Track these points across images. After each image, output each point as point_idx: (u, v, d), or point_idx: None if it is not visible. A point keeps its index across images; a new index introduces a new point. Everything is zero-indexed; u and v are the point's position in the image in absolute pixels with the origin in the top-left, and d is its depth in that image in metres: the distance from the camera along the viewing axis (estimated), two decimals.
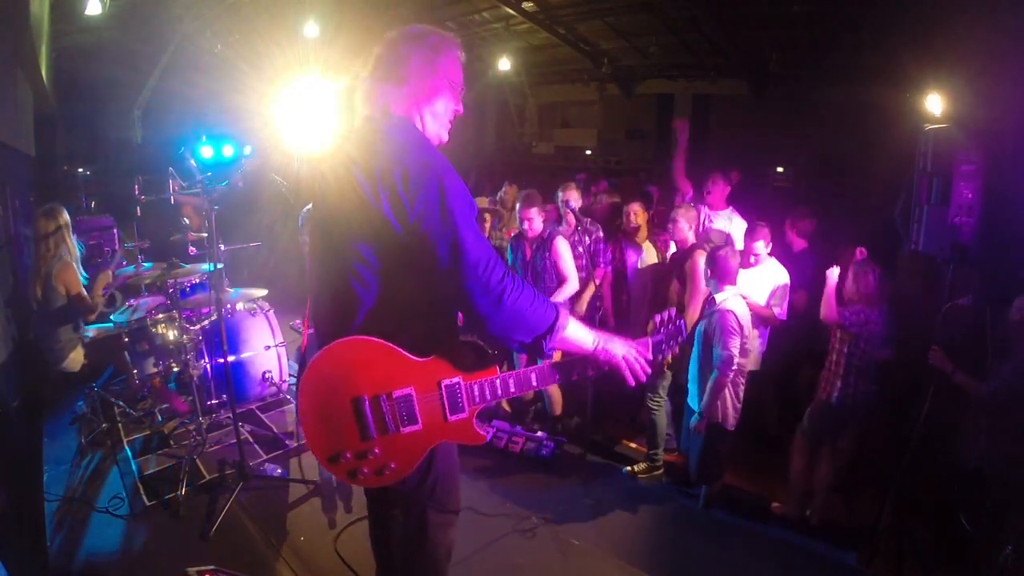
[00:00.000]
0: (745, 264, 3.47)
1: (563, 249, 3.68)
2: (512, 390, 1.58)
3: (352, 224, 1.44)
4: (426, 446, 1.53)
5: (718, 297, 3.03)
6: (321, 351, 1.46)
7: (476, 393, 1.53)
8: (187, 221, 5.48)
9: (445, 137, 1.64)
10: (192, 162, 3.57)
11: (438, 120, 1.60)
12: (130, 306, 3.86)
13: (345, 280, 1.48)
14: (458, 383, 1.51)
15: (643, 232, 4.08)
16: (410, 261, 1.41)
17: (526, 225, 3.71)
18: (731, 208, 4.16)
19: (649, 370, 1.58)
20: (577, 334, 1.52)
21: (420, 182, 1.37)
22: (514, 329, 1.44)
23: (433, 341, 1.53)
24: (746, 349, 3.04)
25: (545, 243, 3.70)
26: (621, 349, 1.56)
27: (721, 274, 3.03)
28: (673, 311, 1.66)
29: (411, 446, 1.50)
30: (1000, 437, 2.75)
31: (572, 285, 3.71)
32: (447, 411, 1.51)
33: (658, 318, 1.65)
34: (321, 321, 1.67)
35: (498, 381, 1.54)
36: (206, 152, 4.82)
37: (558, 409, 4.01)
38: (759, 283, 3.59)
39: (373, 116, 1.54)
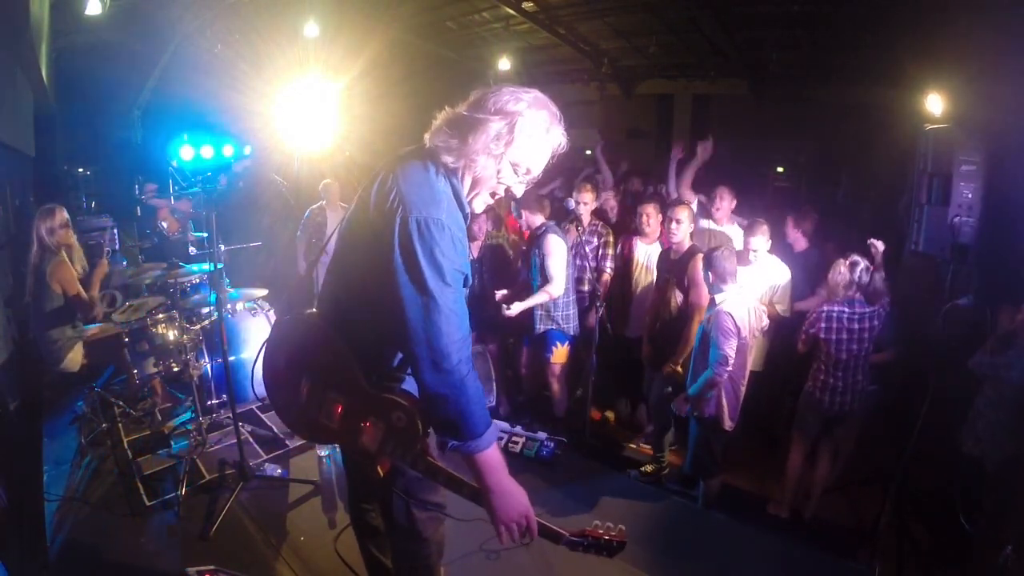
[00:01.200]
0: (744, 261, 3.47)
1: (555, 247, 3.61)
2: (414, 473, 1.59)
3: (359, 237, 1.52)
4: (336, 442, 1.74)
5: (718, 298, 3.03)
6: (314, 322, 1.62)
7: (389, 452, 1.53)
8: (164, 224, 5.47)
9: (478, 205, 1.58)
10: (174, 164, 3.55)
11: (477, 186, 1.53)
12: (130, 306, 3.86)
13: (342, 283, 1.59)
14: (382, 433, 1.52)
15: (656, 230, 4.05)
16: (389, 293, 1.39)
17: (523, 223, 3.73)
18: (736, 223, 4.10)
19: (528, 539, 1.53)
20: (486, 464, 1.46)
21: (408, 227, 1.36)
22: (441, 410, 1.43)
23: (390, 375, 1.60)
24: (745, 349, 3.04)
25: (539, 240, 3.68)
26: (512, 512, 1.50)
27: (720, 274, 3.03)
28: (618, 539, 1.57)
29: (326, 433, 1.64)
30: (1002, 431, 2.77)
31: (556, 288, 3.61)
32: (362, 439, 1.56)
33: (595, 533, 1.59)
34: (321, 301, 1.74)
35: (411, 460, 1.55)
36: (188, 153, 4.80)
37: (561, 409, 4.00)
38: (759, 281, 3.60)
39: (421, 147, 1.54)
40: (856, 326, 3.13)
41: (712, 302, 3.06)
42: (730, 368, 2.97)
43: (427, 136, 1.53)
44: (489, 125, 1.44)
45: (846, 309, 3.13)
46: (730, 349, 2.93)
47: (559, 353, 3.81)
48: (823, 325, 3.18)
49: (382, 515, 1.82)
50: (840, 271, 3.17)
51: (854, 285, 3.13)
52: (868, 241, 3.37)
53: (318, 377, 1.59)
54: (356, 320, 1.53)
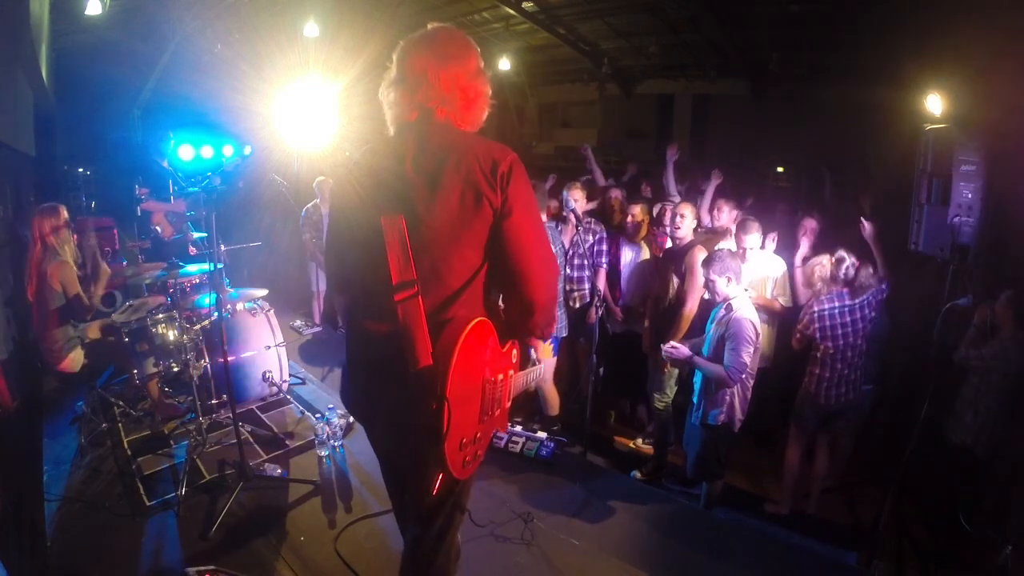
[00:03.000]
0: (740, 260, 3.49)
1: (561, 250, 3.73)
2: (526, 384, 1.80)
3: (454, 212, 1.45)
4: (490, 433, 1.62)
5: (734, 303, 3.02)
6: (466, 332, 1.40)
7: (521, 383, 1.74)
8: (159, 228, 5.47)
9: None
10: (164, 163, 3.51)
11: None
12: (130, 306, 3.86)
13: (438, 265, 1.47)
14: (514, 373, 1.68)
15: (642, 231, 4.11)
16: (492, 247, 1.49)
17: None
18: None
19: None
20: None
21: (512, 173, 1.46)
22: (545, 317, 1.57)
23: (504, 326, 1.61)
24: (757, 352, 3.06)
25: None
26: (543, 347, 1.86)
27: (735, 273, 3.03)
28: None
29: (489, 432, 1.59)
30: (991, 419, 2.82)
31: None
32: (507, 398, 1.66)
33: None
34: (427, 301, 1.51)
35: (521, 375, 1.75)
36: (188, 153, 4.75)
37: (554, 410, 4.01)
38: (758, 276, 3.63)
39: (438, 124, 1.57)
40: (848, 318, 3.19)
41: (729, 307, 3.05)
42: (744, 376, 2.99)
43: (424, 114, 1.54)
44: (481, 89, 1.58)
45: (836, 304, 3.20)
46: (748, 357, 2.93)
47: (544, 351, 3.85)
48: (817, 326, 3.23)
49: (421, 519, 1.71)
50: (823, 264, 3.25)
51: (839, 280, 3.18)
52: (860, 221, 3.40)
53: (490, 370, 1.53)
54: (476, 292, 1.52)
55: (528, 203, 1.49)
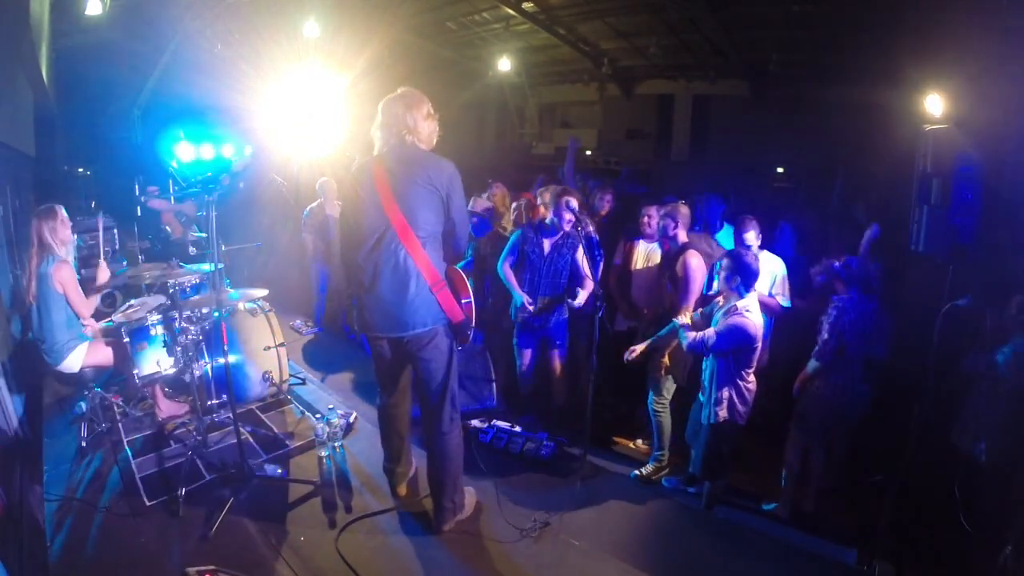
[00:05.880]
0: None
1: (584, 252, 3.76)
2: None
3: (423, 200, 2.53)
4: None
5: (740, 304, 3.01)
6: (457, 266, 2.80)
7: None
8: (168, 228, 5.47)
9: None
10: (174, 164, 3.54)
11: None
12: (130, 306, 3.86)
13: (417, 223, 2.53)
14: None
15: (655, 234, 4.11)
16: (454, 217, 2.63)
17: (568, 217, 3.67)
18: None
19: None
20: None
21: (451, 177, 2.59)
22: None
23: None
24: (756, 351, 3.07)
25: (570, 242, 3.74)
26: None
27: (747, 276, 3.02)
28: None
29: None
30: (1000, 427, 2.79)
31: (591, 282, 3.78)
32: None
33: None
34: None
35: None
36: (187, 153, 4.78)
37: (561, 399, 4.02)
38: (761, 275, 3.61)
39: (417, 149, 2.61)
40: (867, 323, 3.16)
41: (735, 309, 3.03)
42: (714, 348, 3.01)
43: (400, 140, 2.56)
44: (431, 124, 2.63)
45: (857, 311, 3.14)
46: (727, 347, 2.94)
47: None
48: (836, 319, 3.18)
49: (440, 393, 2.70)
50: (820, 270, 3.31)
51: (840, 277, 3.19)
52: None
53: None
54: (439, 244, 2.62)
55: (459, 190, 2.60)
